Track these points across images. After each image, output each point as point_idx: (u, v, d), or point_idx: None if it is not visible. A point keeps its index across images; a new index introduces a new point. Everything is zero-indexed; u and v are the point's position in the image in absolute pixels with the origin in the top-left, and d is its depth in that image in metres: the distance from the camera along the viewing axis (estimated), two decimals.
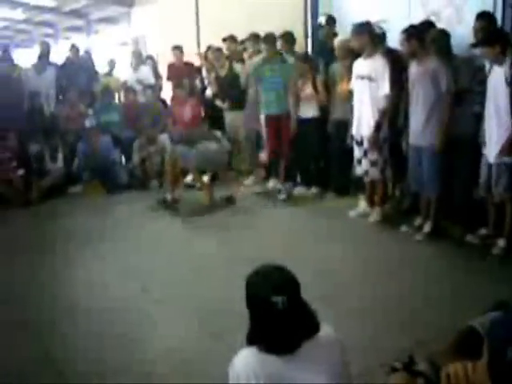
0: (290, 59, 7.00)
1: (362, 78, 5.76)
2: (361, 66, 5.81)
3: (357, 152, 5.98)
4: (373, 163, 5.83)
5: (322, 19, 7.24)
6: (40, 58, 8.83)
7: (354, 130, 5.98)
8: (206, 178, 6.93)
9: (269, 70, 7.01)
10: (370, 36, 5.65)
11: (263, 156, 7.71)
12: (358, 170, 6.05)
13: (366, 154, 5.85)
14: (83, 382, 3.30)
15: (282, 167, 7.24)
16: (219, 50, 8.17)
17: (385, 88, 5.59)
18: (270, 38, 7.02)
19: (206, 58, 8.95)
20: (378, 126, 5.70)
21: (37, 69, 8.71)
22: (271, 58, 7.00)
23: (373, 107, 5.70)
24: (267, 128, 7.31)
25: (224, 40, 8.44)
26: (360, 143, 5.90)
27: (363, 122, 5.82)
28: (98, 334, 3.81)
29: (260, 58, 7.27)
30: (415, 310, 3.92)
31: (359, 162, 5.97)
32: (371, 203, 6.10)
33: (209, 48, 8.80)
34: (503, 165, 4.71)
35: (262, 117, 7.37)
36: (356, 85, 5.90)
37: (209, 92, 8.56)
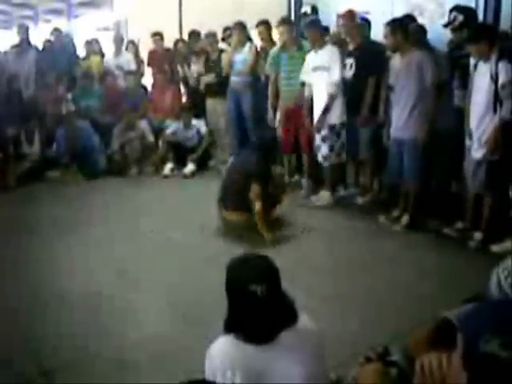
0: (306, 44, 6.58)
1: (318, 69, 5.99)
2: (314, 57, 6.07)
3: (316, 139, 6.15)
4: (330, 148, 6.06)
5: (307, 8, 7.24)
6: (21, 42, 8.69)
7: (314, 118, 6.13)
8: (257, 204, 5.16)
9: (286, 57, 6.61)
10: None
11: None
12: (319, 158, 6.22)
13: (324, 139, 6.05)
14: (60, 368, 3.28)
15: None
16: (213, 34, 8.12)
17: (335, 74, 5.87)
18: (287, 21, 6.78)
19: (176, 49, 8.90)
20: (325, 110, 5.96)
21: (17, 52, 8.59)
22: (289, 45, 6.59)
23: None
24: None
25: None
26: (318, 130, 6.10)
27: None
28: (75, 320, 3.80)
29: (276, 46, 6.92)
30: (392, 302, 3.95)
31: (318, 149, 6.16)
32: (332, 189, 6.34)
33: (190, 34, 8.77)
34: (484, 159, 4.77)
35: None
36: (313, 77, 6.09)
37: (191, 81, 8.51)
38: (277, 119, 6.80)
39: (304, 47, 6.50)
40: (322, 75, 5.96)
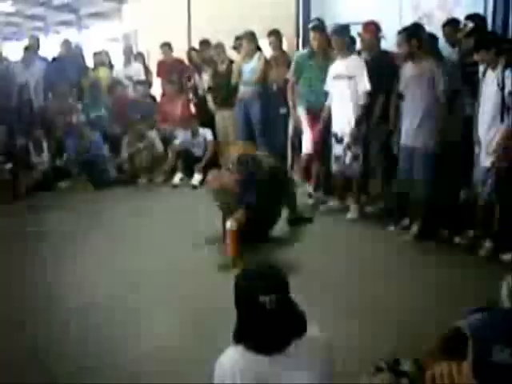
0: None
1: (341, 77, 5.91)
2: (337, 66, 5.99)
3: (336, 149, 6.07)
4: (355, 157, 5.96)
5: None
6: (27, 49, 8.74)
7: (334, 128, 6.07)
8: (229, 224, 4.95)
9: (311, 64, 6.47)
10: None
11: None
12: (335, 167, 6.15)
13: (348, 148, 5.97)
14: (69, 380, 3.27)
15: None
16: (221, 45, 8.16)
17: (364, 85, 5.78)
18: (320, 26, 6.41)
19: (190, 58, 8.94)
20: (358, 121, 5.87)
21: (24, 61, 8.66)
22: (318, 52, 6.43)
23: (353, 104, 5.87)
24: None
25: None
26: (340, 140, 6.01)
27: (344, 119, 5.95)
28: (84, 332, 3.78)
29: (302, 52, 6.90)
30: (401, 312, 3.93)
31: (337, 159, 6.08)
32: (342, 198, 6.30)
33: (202, 43, 8.80)
34: (493, 167, 4.75)
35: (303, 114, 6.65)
36: (334, 85, 6.03)
37: (200, 91, 8.55)
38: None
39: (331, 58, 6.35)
40: (342, 83, 5.89)
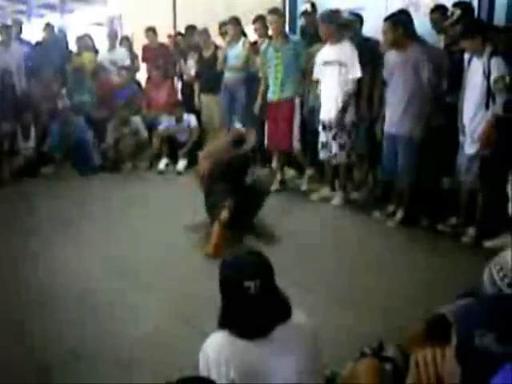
0: (296, 38, 6.74)
1: (330, 63, 5.84)
2: (327, 52, 5.90)
3: (323, 136, 6.05)
4: (341, 146, 5.92)
5: (307, 6, 7.21)
6: (3, 30, 8.66)
7: (322, 115, 6.03)
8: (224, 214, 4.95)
9: (272, 50, 6.52)
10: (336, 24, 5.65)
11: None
12: (322, 155, 6.13)
13: (334, 137, 5.93)
14: (59, 367, 3.26)
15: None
16: (206, 31, 8.10)
17: (356, 71, 5.70)
18: (278, 10, 6.63)
19: (175, 44, 8.88)
20: (344, 108, 5.80)
21: (3, 44, 8.56)
22: (275, 38, 6.52)
23: (342, 91, 5.80)
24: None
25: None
26: (328, 127, 5.97)
27: (332, 106, 5.88)
28: (73, 319, 3.78)
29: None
30: (385, 298, 3.96)
31: (324, 146, 6.05)
32: (333, 187, 6.27)
33: (187, 28, 8.74)
34: (477, 155, 4.78)
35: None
36: (323, 71, 5.96)
37: (186, 76, 8.51)
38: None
39: (294, 42, 6.47)
40: (333, 70, 5.81)
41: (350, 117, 5.88)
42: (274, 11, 6.48)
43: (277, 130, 6.60)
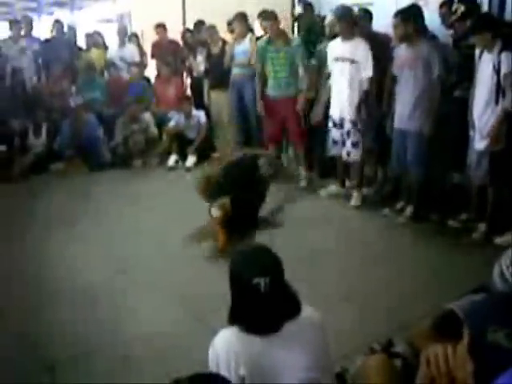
0: (296, 40, 6.73)
1: (343, 60, 5.75)
2: (340, 47, 5.80)
3: (334, 133, 5.98)
4: (354, 144, 5.84)
5: (299, 8, 7.24)
6: (14, 25, 8.71)
7: (332, 112, 5.97)
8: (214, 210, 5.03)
9: (273, 50, 6.50)
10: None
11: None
12: (333, 151, 6.07)
13: (348, 135, 5.85)
14: (61, 364, 3.29)
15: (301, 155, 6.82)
16: (213, 27, 8.10)
17: (368, 70, 5.61)
18: (271, 15, 6.47)
19: (184, 40, 8.89)
20: (359, 107, 5.73)
21: (14, 41, 8.60)
22: (275, 39, 6.49)
23: (354, 89, 5.72)
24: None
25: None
26: (339, 125, 5.89)
27: (344, 103, 5.81)
28: (79, 316, 3.80)
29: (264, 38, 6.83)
30: (395, 294, 3.96)
31: (335, 143, 5.99)
32: (343, 184, 6.24)
33: (196, 24, 8.75)
34: (487, 150, 4.75)
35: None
36: (335, 67, 5.88)
37: (195, 72, 8.52)
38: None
39: (293, 42, 6.49)
40: (344, 66, 5.73)
41: (363, 114, 5.80)
42: (264, 16, 6.48)
43: (277, 127, 6.69)
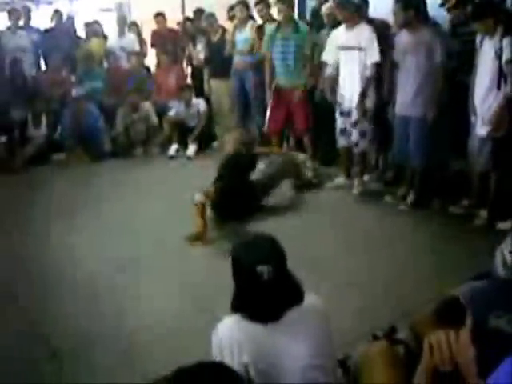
0: (303, 26, 6.60)
1: (349, 48, 5.66)
2: (344, 36, 5.71)
3: (340, 123, 5.91)
4: (362, 134, 5.77)
5: None
6: (12, 15, 8.68)
7: (341, 100, 5.86)
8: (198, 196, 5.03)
9: (280, 38, 6.47)
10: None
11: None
12: (341, 141, 6.00)
13: (355, 124, 5.77)
14: (68, 354, 3.29)
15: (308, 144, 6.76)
16: (212, 15, 8.07)
17: (375, 56, 5.51)
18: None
19: (184, 29, 8.86)
20: (363, 94, 5.64)
21: (12, 31, 8.57)
22: (284, 26, 6.45)
23: (360, 76, 5.64)
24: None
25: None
26: (347, 114, 5.82)
27: (353, 93, 5.70)
28: (80, 307, 3.80)
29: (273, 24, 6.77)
30: (398, 280, 3.97)
31: (343, 132, 5.92)
32: (349, 174, 6.16)
33: (196, 12, 8.72)
34: (489, 136, 4.74)
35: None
36: (340, 56, 5.78)
37: (195, 61, 8.49)
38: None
39: (301, 29, 6.43)
40: (351, 55, 5.63)
41: (370, 102, 5.70)
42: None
43: (282, 116, 6.67)
